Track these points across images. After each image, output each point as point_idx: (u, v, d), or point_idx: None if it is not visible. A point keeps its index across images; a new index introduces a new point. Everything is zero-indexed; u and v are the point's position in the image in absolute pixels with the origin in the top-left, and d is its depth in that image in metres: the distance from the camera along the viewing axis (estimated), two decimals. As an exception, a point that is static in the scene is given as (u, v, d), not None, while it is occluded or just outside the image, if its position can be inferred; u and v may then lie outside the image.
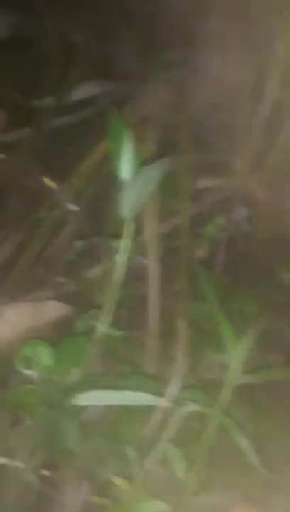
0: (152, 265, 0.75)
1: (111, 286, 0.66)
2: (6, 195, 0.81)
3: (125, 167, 0.65)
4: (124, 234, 0.64)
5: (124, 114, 0.81)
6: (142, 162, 0.67)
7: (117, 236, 0.75)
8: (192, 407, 0.58)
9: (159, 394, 0.61)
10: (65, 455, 0.66)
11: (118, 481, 0.62)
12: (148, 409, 0.62)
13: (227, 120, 0.90)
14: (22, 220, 0.75)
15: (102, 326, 0.65)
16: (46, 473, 0.67)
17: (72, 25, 0.99)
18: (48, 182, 0.84)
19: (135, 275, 0.78)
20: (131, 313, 0.80)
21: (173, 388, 0.59)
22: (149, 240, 0.74)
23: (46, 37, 0.98)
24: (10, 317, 0.71)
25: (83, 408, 0.60)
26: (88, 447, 0.65)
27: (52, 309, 0.73)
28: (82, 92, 0.91)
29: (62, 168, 0.85)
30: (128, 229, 0.64)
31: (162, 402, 0.60)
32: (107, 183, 0.81)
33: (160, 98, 0.83)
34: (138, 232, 0.77)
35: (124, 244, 0.64)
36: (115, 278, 0.66)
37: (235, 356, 0.58)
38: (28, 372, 0.60)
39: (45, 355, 0.60)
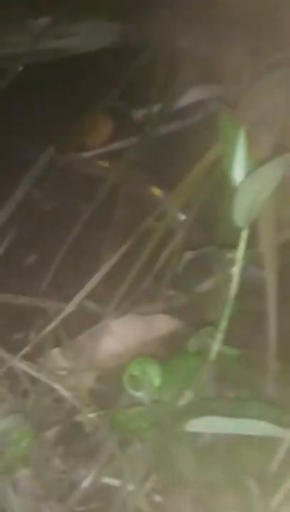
0: (270, 278, 0.69)
1: (225, 301, 0.61)
2: (114, 204, 0.79)
3: (239, 170, 0.60)
4: (239, 243, 0.58)
5: (235, 117, 0.78)
6: (257, 165, 0.61)
7: (230, 246, 0.71)
8: None
9: (281, 423, 0.55)
10: (177, 481, 0.61)
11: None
12: (271, 440, 0.57)
13: None
14: (130, 231, 0.73)
15: (216, 344, 0.59)
16: (157, 498, 0.63)
17: (178, 31, 0.96)
18: (156, 191, 0.81)
19: (251, 289, 0.73)
20: (247, 330, 0.74)
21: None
22: (266, 250, 0.68)
23: (152, 44, 0.96)
24: (118, 332, 0.68)
25: (198, 434, 0.55)
26: (203, 475, 0.60)
27: (163, 324, 0.69)
28: (190, 97, 0.88)
29: (170, 176, 0.81)
30: (243, 238, 0.58)
31: (285, 434, 0.53)
32: (218, 191, 0.76)
33: (272, 98, 0.77)
34: (253, 241, 0.72)
35: (238, 255, 0.58)
36: (230, 291, 0.60)
37: None
38: (136, 393, 0.56)
39: (154, 375, 0.55)
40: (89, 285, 0.65)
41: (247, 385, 0.62)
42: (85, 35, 0.98)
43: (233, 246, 0.65)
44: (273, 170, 0.55)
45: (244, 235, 0.57)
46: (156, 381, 0.55)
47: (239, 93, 0.84)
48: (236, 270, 0.58)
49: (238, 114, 0.78)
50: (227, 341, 0.70)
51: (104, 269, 0.65)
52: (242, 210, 0.55)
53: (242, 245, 0.57)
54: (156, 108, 0.87)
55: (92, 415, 0.59)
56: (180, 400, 0.54)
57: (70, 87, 0.92)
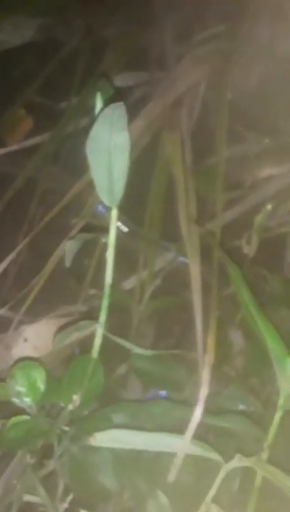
0: (193, 269, 0.63)
1: (104, 292, 0.55)
2: (27, 199, 0.73)
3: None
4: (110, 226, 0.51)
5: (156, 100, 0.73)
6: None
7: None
8: (237, 463, 0.45)
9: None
10: (100, 493, 0.55)
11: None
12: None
13: (287, 97, 0.78)
14: (42, 225, 0.67)
15: (98, 340, 0.52)
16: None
17: (99, 21, 0.92)
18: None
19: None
20: (180, 326, 0.69)
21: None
22: (187, 241, 0.62)
23: (74, 37, 0.92)
24: (32, 338, 0.62)
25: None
26: (125, 485, 0.54)
27: (77, 327, 0.64)
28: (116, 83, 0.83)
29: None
30: (112, 219, 0.51)
31: (183, 449, 0.47)
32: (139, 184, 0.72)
33: (192, 77, 0.73)
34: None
35: (110, 239, 0.51)
36: (106, 279, 0.53)
37: (284, 374, 0.45)
38: (16, 400, 0.49)
39: (39, 380, 0.49)
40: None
41: (168, 385, 0.57)
42: (7, 31, 0.94)
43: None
44: (106, 130, 0.46)
45: (114, 214, 0.51)
46: (41, 386, 0.49)
47: (163, 76, 0.80)
48: (109, 254, 0.52)
49: (157, 95, 0.74)
50: (159, 340, 0.66)
51: (1, 266, 0.59)
52: (102, 186, 0.48)
53: (112, 227, 0.50)
54: (76, 100, 0.82)
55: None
56: (70, 405, 0.48)
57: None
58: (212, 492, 0.46)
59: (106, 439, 0.47)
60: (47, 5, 0.97)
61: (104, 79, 0.55)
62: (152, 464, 0.54)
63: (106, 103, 0.47)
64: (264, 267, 0.70)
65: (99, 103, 0.47)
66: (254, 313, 0.49)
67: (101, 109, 0.46)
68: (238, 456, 0.48)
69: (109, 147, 0.45)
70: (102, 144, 0.46)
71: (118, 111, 0.45)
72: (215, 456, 0.47)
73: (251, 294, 0.51)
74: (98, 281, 0.71)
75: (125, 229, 0.73)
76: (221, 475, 0.47)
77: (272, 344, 0.49)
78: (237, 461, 0.48)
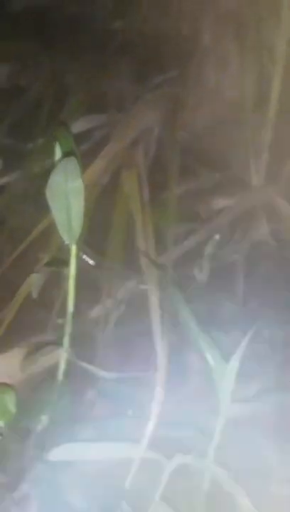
0: (153, 298, 0.68)
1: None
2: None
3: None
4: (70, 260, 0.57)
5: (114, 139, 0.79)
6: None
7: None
8: (179, 460, 0.50)
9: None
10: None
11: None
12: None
13: (234, 135, 0.85)
14: (11, 260, 0.72)
15: (62, 363, 0.58)
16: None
17: (62, 68, 0.98)
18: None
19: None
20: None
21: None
22: (146, 268, 0.68)
23: (39, 82, 0.98)
24: (2, 366, 0.66)
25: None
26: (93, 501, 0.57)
27: (51, 354, 0.68)
28: (76, 128, 0.89)
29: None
30: (72, 254, 0.57)
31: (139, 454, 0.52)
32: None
33: (147, 118, 0.79)
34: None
35: (71, 271, 0.57)
36: (68, 308, 0.59)
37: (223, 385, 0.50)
38: None
39: (10, 403, 0.54)
40: None
41: (132, 406, 0.61)
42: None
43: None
44: (62, 178, 0.53)
45: (74, 250, 0.56)
46: (12, 409, 0.53)
47: (121, 118, 0.87)
48: (70, 285, 0.57)
49: (115, 136, 0.80)
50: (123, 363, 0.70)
51: None
52: (62, 225, 0.54)
53: (72, 261, 0.56)
54: (41, 142, 0.88)
55: None
56: (38, 426, 0.52)
57: None
58: (159, 490, 0.51)
59: (63, 452, 0.51)
60: (12, 51, 1.03)
61: (64, 127, 0.61)
62: (116, 478, 0.58)
63: (65, 149, 0.53)
64: (219, 291, 0.76)
65: (58, 152, 0.53)
66: (196, 334, 0.54)
67: (60, 158, 0.52)
68: (179, 454, 0.52)
69: (66, 192, 0.52)
70: (60, 190, 0.52)
71: (72, 163, 0.50)
72: (159, 456, 0.51)
73: (193, 317, 0.56)
74: (66, 311, 0.76)
75: (91, 261, 0.78)
76: (166, 473, 0.52)
77: (211, 358, 0.54)
78: (178, 459, 0.52)
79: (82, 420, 0.57)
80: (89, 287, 0.75)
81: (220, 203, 0.80)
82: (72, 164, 0.51)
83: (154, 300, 0.66)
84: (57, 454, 0.52)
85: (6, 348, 0.69)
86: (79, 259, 0.59)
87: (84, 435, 0.54)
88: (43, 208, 0.80)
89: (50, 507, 0.59)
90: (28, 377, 0.66)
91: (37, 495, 0.58)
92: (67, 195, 0.52)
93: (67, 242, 0.55)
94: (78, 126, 0.88)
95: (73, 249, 0.56)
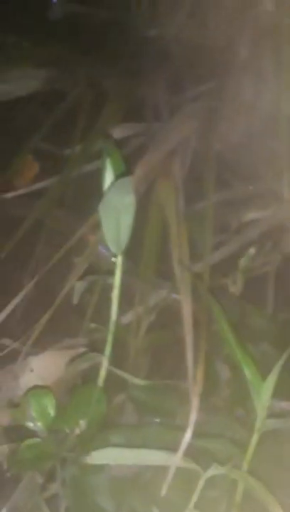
0: (185, 305, 0.70)
1: (109, 326, 0.61)
2: (34, 240, 0.80)
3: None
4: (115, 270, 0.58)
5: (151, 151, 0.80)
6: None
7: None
8: (215, 471, 0.52)
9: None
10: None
11: None
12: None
13: (269, 148, 0.86)
14: (49, 265, 0.73)
15: (103, 371, 0.60)
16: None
17: (100, 74, 1.00)
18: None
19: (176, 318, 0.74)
20: (175, 359, 0.75)
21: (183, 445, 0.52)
22: (180, 279, 0.69)
23: (77, 87, 0.99)
24: (37, 368, 0.68)
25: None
26: (122, 505, 0.59)
27: (85, 357, 0.70)
28: (115, 135, 0.91)
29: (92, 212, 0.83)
30: (118, 264, 0.58)
31: (176, 463, 0.53)
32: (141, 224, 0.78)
33: (185, 130, 0.80)
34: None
35: (116, 281, 0.59)
36: (111, 316, 0.60)
37: (260, 400, 0.51)
38: (30, 424, 0.56)
39: (49, 406, 0.55)
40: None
41: (161, 413, 0.63)
42: (14, 82, 1.02)
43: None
44: (117, 194, 0.55)
45: (119, 261, 0.58)
46: (51, 412, 0.55)
47: (158, 127, 0.88)
48: (114, 295, 0.58)
49: (152, 146, 0.81)
50: (153, 371, 0.71)
51: (11, 305, 0.66)
52: (110, 236, 0.56)
53: (118, 271, 0.58)
54: (79, 148, 0.90)
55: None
56: (76, 430, 0.54)
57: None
58: (194, 499, 0.52)
59: (102, 456, 0.53)
60: (51, 56, 1.05)
61: (111, 143, 0.62)
62: (147, 484, 0.59)
63: (118, 170, 0.55)
64: (250, 303, 0.77)
65: (109, 173, 0.55)
66: (233, 347, 0.55)
67: (113, 179, 0.54)
68: (215, 464, 0.54)
69: (118, 209, 0.55)
70: (113, 206, 0.55)
71: (127, 183, 0.54)
72: (195, 467, 0.53)
73: (231, 329, 0.57)
74: (98, 315, 0.77)
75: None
76: (201, 482, 0.53)
77: (248, 373, 0.55)
78: (214, 470, 0.54)
79: (114, 426, 0.59)
80: (121, 294, 0.77)
81: (253, 214, 0.82)
82: (127, 183, 0.53)
83: (187, 308, 0.68)
84: (92, 457, 0.54)
85: (42, 350, 0.71)
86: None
87: (117, 440, 0.55)
88: (80, 213, 0.83)
89: (79, 508, 0.61)
90: (61, 379, 0.68)
91: (67, 496, 0.60)
92: (119, 210, 0.55)
93: (114, 252, 0.57)
94: (115, 133, 0.90)
95: (119, 259, 0.58)
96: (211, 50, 0.95)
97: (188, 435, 0.53)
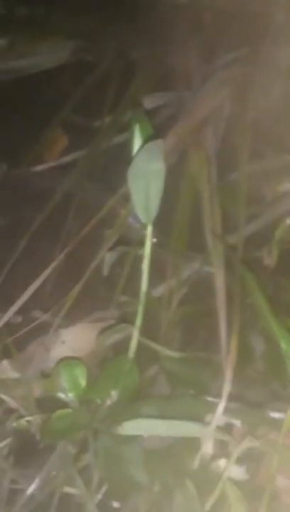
0: (218, 278, 0.68)
1: (140, 298, 0.60)
2: (66, 215, 0.79)
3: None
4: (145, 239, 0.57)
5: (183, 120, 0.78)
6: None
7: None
8: (249, 443, 0.51)
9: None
10: (130, 486, 0.60)
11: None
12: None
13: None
14: (79, 237, 0.73)
15: (134, 342, 0.59)
16: (115, 504, 0.63)
17: (130, 44, 0.98)
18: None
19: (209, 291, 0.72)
20: (207, 332, 0.74)
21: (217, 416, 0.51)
22: (212, 251, 0.68)
23: (106, 58, 0.98)
24: (69, 340, 0.68)
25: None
26: (153, 478, 0.59)
27: (115, 329, 0.69)
28: (145, 105, 0.89)
29: (122, 185, 0.82)
30: (148, 234, 0.57)
31: (210, 434, 0.52)
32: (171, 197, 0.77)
33: (217, 98, 0.78)
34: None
35: (146, 251, 0.58)
36: (141, 287, 0.59)
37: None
38: (62, 395, 0.55)
39: (80, 377, 0.55)
40: (27, 293, 0.65)
41: (194, 386, 0.62)
42: (43, 54, 1.01)
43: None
44: (146, 159, 0.53)
45: (149, 230, 0.57)
46: (82, 383, 0.55)
47: (189, 96, 0.86)
48: (145, 265, 0.57)
49: (184, 115, 0.79)
50: (186, 343, 0.70)
51: (41, 277, 0.65)
52: (139, 204, 0.55)
53: (148, 241, 0.56)
54: (108, 119, 0.88)
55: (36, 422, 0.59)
56: (108, 400, 0.53)
57: (27, 104, 0.94)
58: (227, 471, 0.51)
59: (133, 427, 0.52)
60: (80, 28, 1.03)
61: (141, 110, 0.61)
62: (180, 456, 0.59)
63: (146, 133, 0.53)
64: (284, 276, 0.75)
65: (137, 138, 0.53)
66: (268, 319, 0.53)
67: (142, 144, 0.52)
68: (249, 437, 0.53)
69: (147, 174, 0.53)
70: (141, 171, 0.53)
71: (156, 146, 0.51)
72: (229, 438, 0.52)
73: (266, 302, 0.56)
74: (129, 288, 0.77)
75: (154, 240, 0.79)
76: (235, 454, 0.52)
77: (285, 346, 0.53)
78: (248, 442, 0.53)
79: (146, 397, 0.59)
80: (152, 266, 0.76)
81: (288, 185, 0.79)
82: (156, 147, 0.51)
83: (220, 281, 0.66)
84: (124, 428, 0.53)
85: (72, 323, 0.70)
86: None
87: (149, 412, 0.55)
88: (109, 185, 0.82)
89: (112, 479, 0.61)
90: (93, 351, 0.68)
91: (100, 467, 0.60)
92: (148, 176, 0.53)
93: (144, 221, 0.56)
94: (146, 103, 0.88)
95: (149, 229, 0.57)
96: (244, 16, 0.92)
97: (221, 407, 0.53)
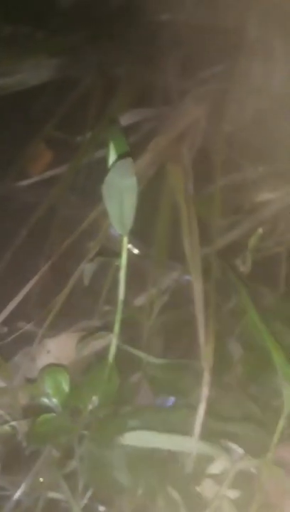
0: (196, 285, 0.71)
1: (117, 305, 0.62)
2: (48, 226, 0.81)
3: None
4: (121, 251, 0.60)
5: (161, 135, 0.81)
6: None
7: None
8: (244, 464, 0.53)
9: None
10: (116, 489, 0.62)
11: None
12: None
13: (279, 129, 0.86)
14: (62, 249, 0.75)
15: (112, 349, 0.61)
16: (101, 508, 0.64)
17: (111, 61, 1.01)
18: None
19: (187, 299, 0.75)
20: (186, 339, 0.76)
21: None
22: (190, 260, 0.70)
23: (88, 75, 1.00)
24: (54, 350, 0.70)
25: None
26: (138, 483, 0.61)
27: (96, 336, 0.71)
28: (124, 121, 0.91)
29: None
30: (124, 245, 0.60)
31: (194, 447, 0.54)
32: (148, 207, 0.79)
33: (194, 113, 0.81)
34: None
35: (122, 262, 0.60)
36: (118, 295, 0.61)
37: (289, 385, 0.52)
38: (45, 400, 0.57)
39: (63, 383, 0.57)
40: (12, 304, 0.67)
41: (176, 391, 0.64)
42: (27, 72, 1.03)
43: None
44: (119, 175, 0.56)
45: (125, 242, 0.59)
46: (66, 388, 0.57)
47: (168, 112, 0.88)
48: (122, 275, 0.60)
49: (162, 130, 0.82)
50: (167, 350, 0.73)
51: (26, 288, 0.67)
52: (115, 217, 0.57)
53: (124, 252, 0.59)
54: (90, 134, 0.91)
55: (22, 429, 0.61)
56: (89, 405, 0.55)
57: (11, 121, 0.96)
58: (224, 489, 0.53)
59: (134, 438, 0.55)
60: (63, 45, 1.06)
61: (116, 126, 0.63)
62: (163, 463, 0.61)
63: (120, 150, 0.56)
64: (261, 283, 0.78)
65: (112, 150, 0.56)
66: (260, 328, 0.56)
67: (115, 160, 0.55)
68: (247, 456, 0.55)
69: (120, 189, 0.56)
70: (115, 187, 0.56)
71: (127, 163, 0.55)
72: (225, 456, 0.54)
73: (253, 306, 0.58)
74: (112, 298, 0.79)
75: (136, 251, 0.81)
76: (231, 474, 0.54)
77: (277, 357, 0.55)
78: (246, 461, 0.55)
79: (128, 402, 0.61)
80: (134, 276, 0.78)
81: (264, 196, 0.82)
82: (127, 165, 0.54)
83: (198, 289, 0.69)
84: (107, 434, 0.55)
85: (57, 333, 0.72)
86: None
87: (133, 422, 0.57)
88: (91, 198, 0.84)
89: (97, 484, 0.63)
90: (77, 360, 0.70)
91: (85, 472, 0.62)
92: (121, 192, 0.56)
93: (120, 233, 0.58)
94: (126, 119, 0.91)
95: (124, 240, 0.59)
96: (220, 33, 0.95)
97: (201, 411, 0.55)
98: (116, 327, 0.59)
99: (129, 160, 0.54)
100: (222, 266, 0.74)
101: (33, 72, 1.03)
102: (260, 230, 0.72)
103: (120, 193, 0.56)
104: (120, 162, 0.55)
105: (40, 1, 1.11)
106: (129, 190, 0.55)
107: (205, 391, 0.58)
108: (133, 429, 0.59)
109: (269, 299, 0.72)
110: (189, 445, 0.56)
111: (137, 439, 0.58)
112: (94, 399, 0.57)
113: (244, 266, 0.71)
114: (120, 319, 0.61)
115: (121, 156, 0.56)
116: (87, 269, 0.63)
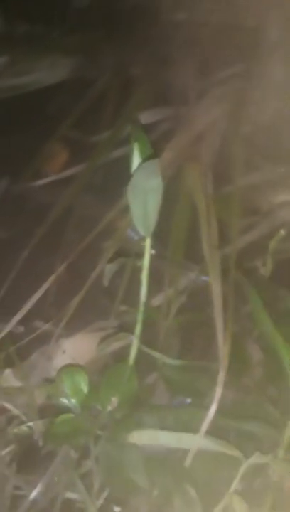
0: (215, 287, 0.70)
1: (139, 307, 0.62)
2: (64, 225, 0.81)
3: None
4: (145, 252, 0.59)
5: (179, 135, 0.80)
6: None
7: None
8: (256, 459, 0.52)
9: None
10: (131, 490, 0.61)
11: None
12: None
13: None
14: (79, 249, 0.75)
15: (133, 350, 0.61)
16: (116, 509, 0.64)
17: (128, 60, 1.00)
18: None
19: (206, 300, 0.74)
20: (204, 340, 0.75)
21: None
22: (209, 261, 0.69)
23: (105, 75, 1.00)
24: (70, 350, 0.70)
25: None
26: (155, 484, 0.60)
27: (115, 337, 0.71)
28: (143, 119, 0.91)
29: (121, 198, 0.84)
30: (147, 246, 0.60)
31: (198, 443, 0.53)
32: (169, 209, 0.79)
33: (213, 113, 0.80)
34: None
35: (145, 263, 0.60)
36: (140, 297, 0.61)
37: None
38: (64, 401, 0.57)
39: (82, 383, 0.57)
40: (29, 304, 0.67)
41: (192, 393, 0.63)
42: (43, 71, 1.03)
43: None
44: (144, 177, 0.56)
45: (148, 243, 0.59)
46: (84, 389, 0.56)
47: (186, 111, 0.88)
48: (144, 276, 0.60)
49: (180, 130, 0.81)
50: (184, 351, 0.72)
51: (43, 288, 0.67)
52: (138, 218, 0.57)
53: (147, 253, 0.59)
54: (107, 134, 0.90)
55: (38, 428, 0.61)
56: (108, 407, 0.55)
57: (28, 120, 0.96)
58: (234, 484, 0.53)
59: (144, 437, 0.54)
60: (79, 45, 1.06)
61: (139, 128, 0.63)
62: (178, 463, 0.60)
63: (145, 153, 0.55)
64: (280, 286, 0.77)
65: (136, 156, 0.55)
66: (268, 329, 0.55)
67: (140, 161, 0.55)
68: (257, 453, 0.54)
69: (145, 191, 0.56)
70: (140, 188, 0.56)
71: (153, 165, 0.55)
72: (236, 452, 0.53)
73: (265, 311, 0.58)
74: (128, 298, 0.78)
75: (152, 251, 0.80)
76: (242, 470, 0.54)
77: (286, 356, 0.55)
78: (257, 458, 0.54)
79: (145, 404, 0.60)
80: (151, 276, 0.78)
81: (283, 197, 0.81)
82: (153, 166, 0.54)
83: (217, 290, 0.68)
84: (125, 436, 0.55)
85: (72, 333, 0.72)
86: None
87: (151, 421, 0.56)
88: (108, 198, 0.84)
89: (113, 484, 0.62)
90: (93, 360, 0.70)
91: (101, 472, 0.62)
92: (146, 193, 0.56)
93: (143, 234, 0.58)
94: (144, 118, 0.91)
95: (148, 241, 0.59)
96: (240, 32, 0.94)
97: (212, 411, 0.54)
98: (138, 328, 0.59)
99: (156, 161, 0.54)
100: (240, 267, 0.73)
101: (49, 72, 1.03)
102: (282, 232, 0.71)
103: (144, 194, 0.55)
104: (146, 163, 0.54)
105: (55, 0, 1.11)
106: (154, 192, 0.55)
107: (218, 391, 0.58)
108: (150, 427, 0.59)
109: (287, 302, 0.72)
110: (202, 444, 0.55)
111: (152, 438, 0.58)
112: (114, 400, 0.56)
113: (264, 268, 0.70)
114: (140, 320, 0.60)
115: (145, 158, 0.55)
116: (107, 269, 0.63)
